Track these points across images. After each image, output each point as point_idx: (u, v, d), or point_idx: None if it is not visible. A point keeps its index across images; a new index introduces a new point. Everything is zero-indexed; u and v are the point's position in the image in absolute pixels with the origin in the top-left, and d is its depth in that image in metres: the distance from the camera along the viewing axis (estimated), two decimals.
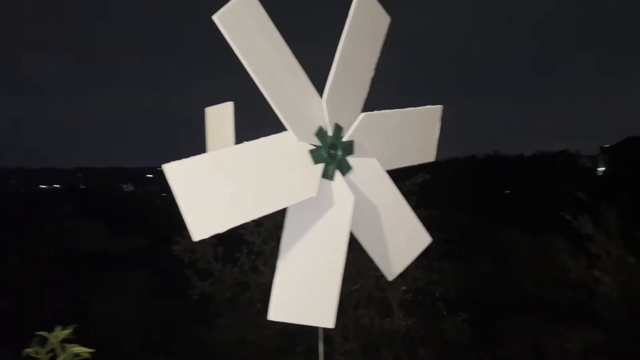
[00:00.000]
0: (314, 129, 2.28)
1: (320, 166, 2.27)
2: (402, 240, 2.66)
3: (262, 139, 2.11)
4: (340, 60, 2.32)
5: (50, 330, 2.58)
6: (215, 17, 1.88)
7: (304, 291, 2.22)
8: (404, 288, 7.76)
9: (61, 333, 2.53)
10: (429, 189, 8.92)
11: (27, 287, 12.13)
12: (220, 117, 2.73)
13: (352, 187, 2.35)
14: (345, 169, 2.38)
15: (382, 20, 2.57)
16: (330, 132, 2.35)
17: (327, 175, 2.30)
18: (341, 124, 2.39)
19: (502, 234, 13.60)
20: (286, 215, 2.23)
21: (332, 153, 2.32)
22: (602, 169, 39.67)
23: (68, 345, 2.50)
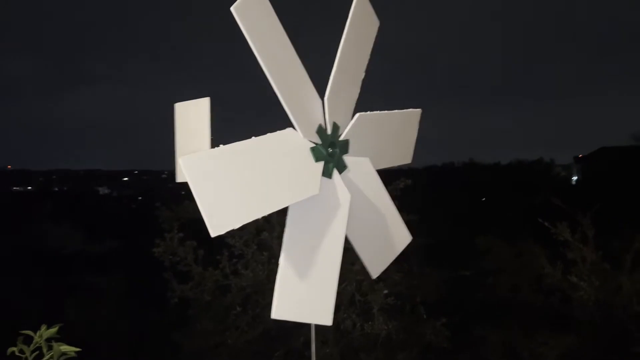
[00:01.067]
0: (315, 127, 2.29)
1: (321, 164, 2.28)
2: (387, 238, 2.72)
3: (268, 135, 2.11)
4: (340, 61, 2.36)
5: (32, 330, 2.51)
6: (233, 9, 1.91)
7: (304, 289, 2.22)
8: (385, 292, 7.79)
9: (47, 332, 2.47)
10: (409, 194, 8.99)
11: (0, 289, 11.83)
12: (194, 114, 2.66)
13: (347, 185, 2.37)
14: (341, 167, 2.40)
15: (373, 24, 2.64)
16: (329, 131, 2.37)
17: (326, 173, 2.31)
18: (338, 122, 2.41)
19: (479, 240, 13.77)
20: (288, 212, 2.22)
21: (331, 151, 2.33)
22: (575, 178, 40.50)
23: (55, 344, 2.44)
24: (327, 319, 2.25)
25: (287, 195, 2.13)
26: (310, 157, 2.24)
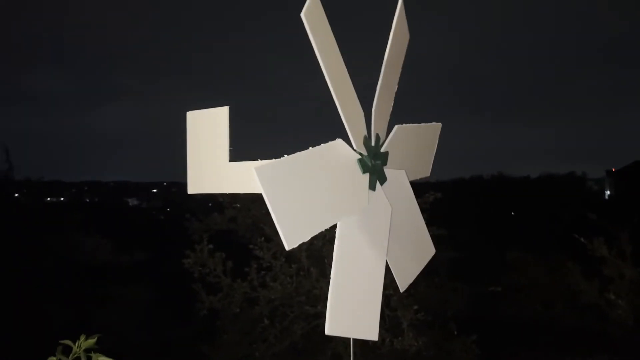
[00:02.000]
0: (362, 138, 2.27)
1: (367, 175, 2.25)
2: (416, 250, 2.70)
3: (322, 145, 2.09)
4: (385, 72, 2.34)
5: (68, 339, 2.51)
6: (303, 15, 1.90)
7: (354, 304, 2.20)
8: (415, 307, 7.67)
9: (85, 342, 2.48)
10: (439, 207, 8.89)
11: (32, 299, 12.04)
12: (210, 123, 2.57)
13: (387, 197, 2.34)
14: (382, 179, 2.36)
15: (406, 37, 2.64)
16: (373, 142, 2.35)
17: (370, 185, 2.28)
18: (380, 134, 2.39)
19: (510, 254, 13.52)
20: (338, 226, 2.18)
21: (374, 163, 2.30)
22: (608, 192, 39.55)
23: (94, 355, 2.44)
24: (373, 334, 2.24)
25: (345, 207, 2.12)
26: (358, 168, 2.22)
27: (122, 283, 13.98)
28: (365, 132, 2.30)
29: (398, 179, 2.50)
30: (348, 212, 2.13)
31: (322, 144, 2.08)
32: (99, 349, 2.50)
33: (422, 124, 2.78)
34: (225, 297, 8.57)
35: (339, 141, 2.15)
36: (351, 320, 2.19)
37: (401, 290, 2.63)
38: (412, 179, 2.74)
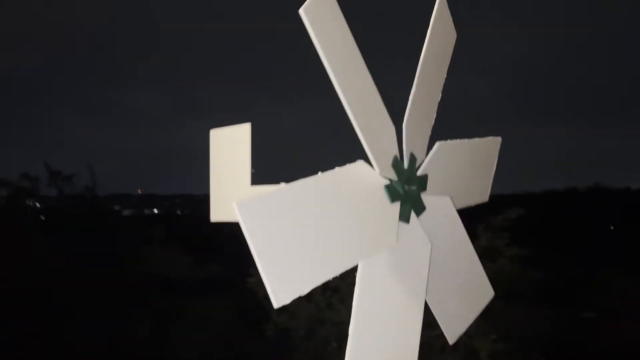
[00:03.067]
0: (390, 159, 1.85)
1: (398, 205, 1.83)
2: (467, 295, 2.21)
3: (336, 170, 1.67)
4: (420, 80, 1.92)
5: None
6: (302, 11, 1.54)
7: (380, 352, 1.78)
8: (494, 337, 6.99)
9: None
10: (523, 224, 8.16)
11: (114, 310, 12.45)
12: (232, 141, 2.31)
13: (426, 231, 1.91)
14: (419, 208, 1.93)
15: (452, 37, 2.20)
16: (406, 164, 1.92)
17: (402, 216, 1.85)
18: (415, 154, 1.96)
19: (606, 276, 12.29)
20: (358, 268, 1.77)
21: (408, 189, 1.88)
22: None
23: None
24: None
25: (363, 247, 1.69)
26: (385, 197, 1.81)
27: (197, 297, 14.18)
28: (395, 152, 1.89)
29: (441, 207, 2.05)
30: (370, 252, 1.72)
31: (337, 168, 1.69)
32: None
33: (474, 139, 2.31)
34: (292, 319, 8.33)
35: (361, 163, 1.75)
36: None
37: (450, 343, 2.17)
38: (462, 206, 2.28)
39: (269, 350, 9.65)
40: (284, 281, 1.45)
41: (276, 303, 1.42)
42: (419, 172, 1.97)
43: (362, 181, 1.75)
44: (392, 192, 1.82)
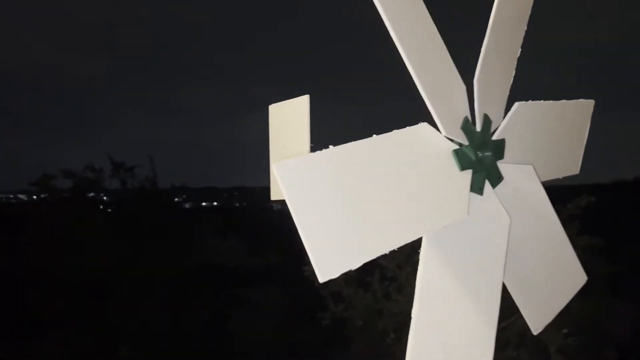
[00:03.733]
0: (460, 121, 1.62)
1: (469, 173, 1.59)
2: (554, 279, 1.93)
3: (395, 132, 1.45)
4: (493, 31, 1.66)
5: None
6: None
7: (448, 345, 1.56)
8: (565, 331, 6.56)
9: None
10: (594, 213, 7.63)
11: (172, 299, 12.71)
12: (290, 114, 2.18)
13: (503, 204, 1.66)
14: (495, 178, 1.68)
15: None
16: (479, 127, 1.68)
17: (474, 186, 1.61)
18: (490, 116, 1.71)
19: None
20: (422, 245, 1.55)
21: (481, 155, 1.64)
22: None
23: None
24: None
25: (426, 218, 1.47)
26: (453, 163, 1.58)
27: (254, 286, 14.28)
28: (467, 113, 1.65)
29: (522, 177, 1.79)
30: (435, 224, 1.49)
31: (395, 130, 1.47)
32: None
33: (562, 101, 2.01)
34: (348, 308, 8.17)
35: (424, 125, 1.52)
36: None
37: (534, 333, 1.92)
38: (549, 178, 2.00)
39: (325, 340, 9.54)
40: (330, 252, 1.24)
41: (321, 277, 1.22)
42: (495, 137, 1.72)
43: (425, 145, 1.52)
44: (462, 158, 1.58)
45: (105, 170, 14.56)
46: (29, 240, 12.89)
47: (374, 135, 1.41)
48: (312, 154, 1.31)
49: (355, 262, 1.29)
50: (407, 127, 1.50)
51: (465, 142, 1.62)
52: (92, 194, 14.96)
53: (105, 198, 15.97)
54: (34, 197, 15.27)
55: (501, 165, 1.71)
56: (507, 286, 1.75)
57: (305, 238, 1.21)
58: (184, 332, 11.85)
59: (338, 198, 1.30)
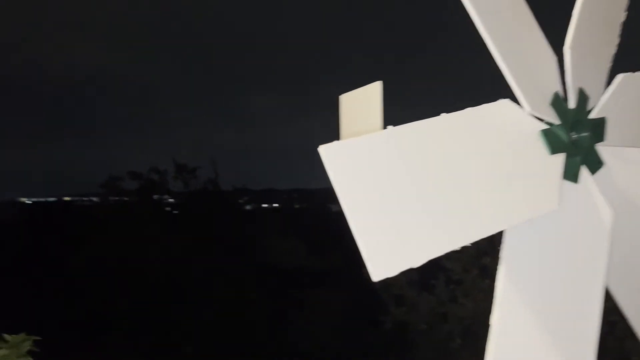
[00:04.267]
0: (549, 97, 1.37)
1: (561, 158, 1.35)
2: None
3: (469, 110, 1.23)
4: None
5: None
6: None
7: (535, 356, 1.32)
8: None
9: None
10: None
11: (233, 300, 12.80)
12: (362, 102, 2.06)
13: (605, 194, 1.39)
14: (595, 163, 1.42)
15: None
16: (572, 103, 1.42)
17: (567, 173, 1.36)
18: (586, 90, 1.44)
19: None
20: (504, 241, 1.31)
21: (576, 137, 1.38)
22: None
23: None
24: None
25: (503, 212, 1.24)
26: (541, 146, 1.34)
27: (313, 288, 14.17)
28: (557, 88, 1.40)
29: (628, 163, 1.51)
30: (518, 217, 1.25)
31: (469, 108, 1.24)
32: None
33: None
34: (411, 311, 7.89)
35: (505, 102, 1.29)
36: None
37: None
38: None
39: (387, 344, 9.28)
40: (386, 247, 1.05)
41: (374, 274, 1.02)
42: (593, 115, 1.46)
43: (506, 125, 1.28)
44: (552, 139, 1.33)
45: (169, 172, 14.91)
46: (101, 240, 13.35)
47: (443, 114, 1.19)
48: (367, 135, 1.11)
49: (416, 259, 1.08)
50: (485, 104, 1.28)
51: (556, 121, 1.37)
52: (156, 196, 15.35)
53: (170, 199, 16.37)
54: (103, 198, 15.85)
55: (602, 148, 1.44)
56: (614, 295, 1.48)
57: (356, 230, 1.02)
58: (245, 332, 11.90)
59: (397, 185, 1.10)
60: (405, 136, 1.16)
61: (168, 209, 16.46)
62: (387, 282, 8.06)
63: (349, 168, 1.07)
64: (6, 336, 2.40)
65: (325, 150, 1.05)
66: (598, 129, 1.43)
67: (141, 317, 11.77)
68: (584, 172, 1.40)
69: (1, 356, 2.21)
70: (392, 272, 1.06)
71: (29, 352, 2.35)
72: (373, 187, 1.09)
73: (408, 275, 7.89)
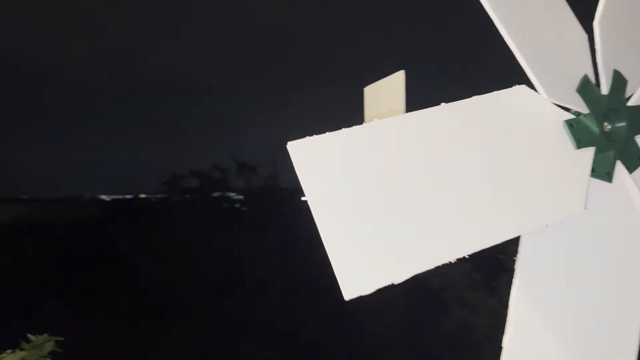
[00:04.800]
0: (576, 82, 1.18)
1: (590, 152, 1.15)
2: None
3: (476, 98, 1.05)
4: None
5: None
6: None
7: None
8: None
9: None
10: None
11: (293, 298, 12.86)
12: (385, 93, 2.02)
13: None
14: (632, 160, 1.20)
15: None
16: (605, 89, 1.21)
17: (599, 171, 1.16)
18: (624, 73, 1.22)
19: None
20: (520, 248, 1.14)
21: (610, 128, 1.18)
22: None
23: None
24: None
25: (519, 216, 1.05)
26: (565, 138, 1.14)
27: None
28: (587, 70, 1.19)
29: None
30: (537, 223, 1.06)
31: (476, 96, 1.06)
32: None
33: None
34: (471, 314, 7.62)
35: (521, 88, 1.10)
36: None
37: None
38: None
39: (447, 347, 9.01)
40: (363, 260, 0.89)
41: (346, 293, 0.87)
42: (632, 102, 1.23)
43: (522, 115, 1.10)
44: (579, 131, 1.13)
45: (230, 170, 15.19)
46: (165, 237, 13.80)
47: (443, 104, 1.03)
48: (346, 129, 0.96)
49: (398, 274, 0.92)
50: (496, 92, 1.10)
51: (585, 110, 1.16)
52: (218, 193, 15.69)
53: (232, 196, 16.70)
54: (166, 196, 16.38)
55: None
56: None
57: (326, 239, 0.88)
58: (302, 331, 11.92)
59: (379, 186, 0.95)
60: (393, 130, 1.01)
61: (229, 205, 16.76)
62: (442, 284, 7.86)
63: (321, 167, 0.93)
64: (30, 336, 2.45)
65: (294, 147, 0.92)
66: (638, 118, 1.21)
67: (199, 314, 12.05)
68: (620, 169, 1.19)
69: (21, 357, 2.25)
70: (368, 289, 0.91)
71: (51, 353, 2.37)
72: (351, 189, 0.95)
73: (469, 276, 7.65)
